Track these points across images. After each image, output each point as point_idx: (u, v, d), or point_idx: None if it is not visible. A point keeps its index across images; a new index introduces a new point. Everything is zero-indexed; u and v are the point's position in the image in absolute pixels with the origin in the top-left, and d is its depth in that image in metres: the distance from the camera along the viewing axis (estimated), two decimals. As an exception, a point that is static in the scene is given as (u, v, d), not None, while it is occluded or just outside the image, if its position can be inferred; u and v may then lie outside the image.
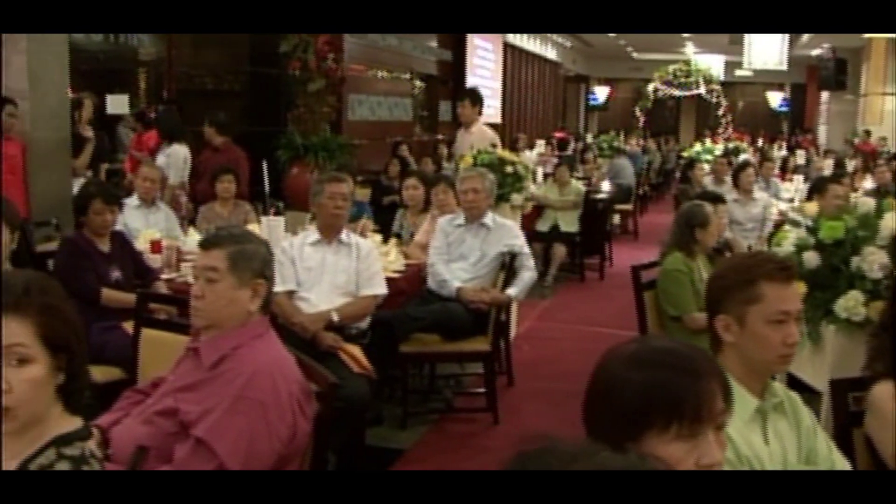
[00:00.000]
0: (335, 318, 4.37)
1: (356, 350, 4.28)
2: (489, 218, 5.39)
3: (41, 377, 1.71)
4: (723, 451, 1.60)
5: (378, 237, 5.83)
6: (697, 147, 18.30)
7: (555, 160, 13.08)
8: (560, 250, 9.40)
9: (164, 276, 4.98)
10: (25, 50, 6.86)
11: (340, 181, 4.69)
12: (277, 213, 6.04)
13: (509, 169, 6.98)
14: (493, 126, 18.71)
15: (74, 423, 1.80)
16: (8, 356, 1.68)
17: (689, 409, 1.55)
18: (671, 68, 24.64)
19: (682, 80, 24.48)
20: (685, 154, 18.67)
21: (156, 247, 5.36)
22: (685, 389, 1.56)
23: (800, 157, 14.49)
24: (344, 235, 4.65)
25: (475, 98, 7.94)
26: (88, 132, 7.58)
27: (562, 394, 5.83)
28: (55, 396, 1.76)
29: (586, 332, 7.67)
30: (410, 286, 5.39)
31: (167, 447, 2.35)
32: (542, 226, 9.47)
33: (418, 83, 15.56)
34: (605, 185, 11.70)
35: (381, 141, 12.50)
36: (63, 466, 1.69)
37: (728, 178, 8.91)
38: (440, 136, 15.51)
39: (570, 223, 9.56)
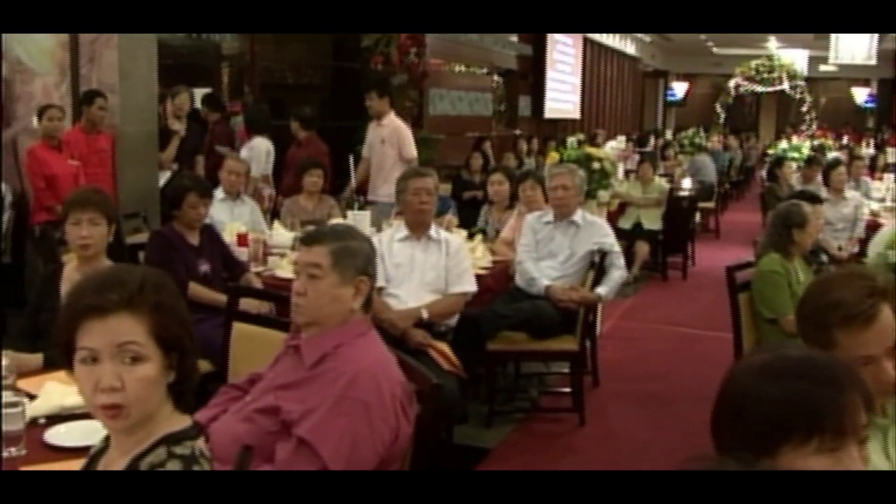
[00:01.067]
0: (425, 315, 4.32)
1: (446, 347, 4.24)
2: (579, 215, 5.30)
3: (154, 376, 1.68)
4: (866, 467, 1.51)
5: (464, 233, 5.77)
6: (784, 144, 17.87)
7: (635, 157, 12.89)
8: (643, 248, 9.25)
9: (253, 270, 4.98)
10: (117, 46, 6.96)
11: (424, 176, 4.65)
12: (360, 208, 6.03)
13: (596, 165, 6.87)
14: (571, 122, 18.73)
15: (184, 421, 1.76)
16: (122, 354, 1.65)
17: (831, 423, 1.46)
18: (753, 63, 24.09)
19: (765, 75, 23.91)
20: (771, 151, 18.27)
21: (242, 240, 5.36)
22: (826, 401, 1.47)
23: (890, 156, 14.05)
24: (433, 231, 4.60)
25: (382, 89, 7.75)
26: (177, 126, 7.65)
27: (648, 396, 5.74)
28: (165, 395, 1.73)
29: (670, 332, 7.53)
30: (497, 283, 5.33)
31: (267, 446, 2.31)
32: (625, 223, 9.31)
33: (498, 78, 15.46)
34: (686, 183, 11.49)
35: (460, 136, 12.45)
36: (174, 465, 1.66)
37: (818, 178, 8.66)
38: (517, 132, 15.41)
39: (653, 221, 9.40)
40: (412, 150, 7.57)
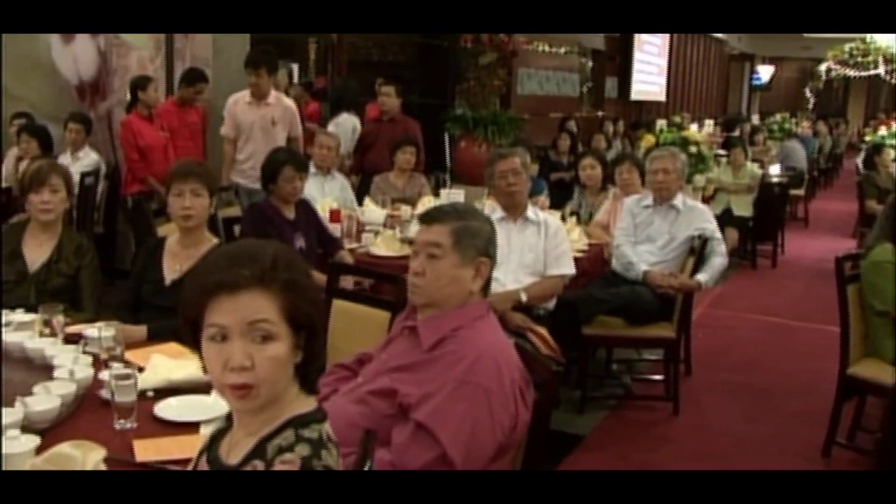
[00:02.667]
0: (523, 297, 4.24)
1: (545, 331, 4.15)
2: (679, 200, 5.16)
3: (284, 355, 1.62)
4: None
5: (557, 214, 5.67)
6: (883, 131, 17.30)
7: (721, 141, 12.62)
8: (732, 235, 9.02)
9: (347, 247, 4.95)
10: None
11: (507, 157, 4.56)
12: (441, 187, 5.97)
13: (692, 149, 6.70)
14: (656, 104, 18.41)
15: (310, 403, 1.71)
16: (252, 332, 1.60)
17: None
18: (847, 47, 23.39)
19: (859, 59, 23.19)
20: (868, 138, 17.73)
21: (335, 216, 5.34)
22: None
23: None
24: (531, 212, 4.51)
25: (273, 65, 6.85)
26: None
27: (743, 387, 5.60)
28: (293, 376, 1.68)
29: (761, 322, 7.35)
30: (593, 267, 5.23)
31: (383, 429, 2.25)
32: (714, 209, 9.04)
33: (584, 58, 15.24)
34: (775, 169, 11.20)
35: (545, 116, 12.30)
36: (302, 449, 1.60)
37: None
38: (601, 113, 15.19)
39: (743, 207, 9.18)
40: (300, 128, 7.01)
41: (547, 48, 12.79)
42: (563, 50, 13.49)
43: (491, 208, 4.64)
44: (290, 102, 6.94)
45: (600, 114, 15.18)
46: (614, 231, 5.44)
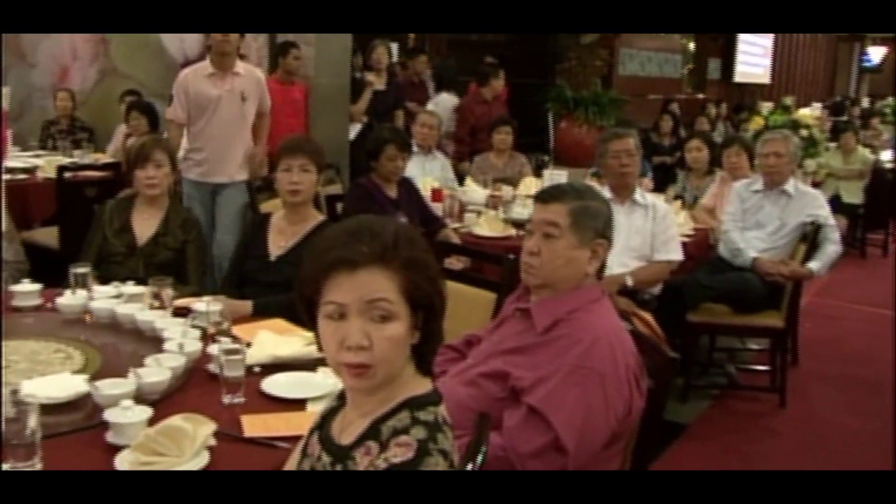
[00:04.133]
0: (629, 282, 4.16)
1: (650, 317, 4.04)
2: (791, 185, 4.99)
3: (402, 335, 1.58)
4: None
5: (661, 197, 5.54)
6: None
7: (828, 125, 12.22)
8: (841, 223, 8.71)
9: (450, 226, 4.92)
10: (314, -3, 6.99)
11: (623, 137, 4.48)
12: (542, 167, 5.89)
13: (804, 133, 6.48)
14: (760, 87, 17.90)
15: (426, 385, 1.66)
16: (371, 311, 1.56)
17: None
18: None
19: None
20: None
21: (436, 195, 5.31)
22: None
23: None
24: (638, 195, 4.42)
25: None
26: (372, 79, 7.65)
27: (851, 380, 5.43)
28: (409, 356, 1.64)
29: (870, 313, 7.12)
30: (698, 252, 5.10)
31: (494, 412, 2.19)
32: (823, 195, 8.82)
33: (685, 39, 14.92)
34: (887, 155, 10.79)
35: (645, 97, 12.08)
36: (418, 432, 1.56)
37: None
38: (701, 96, 14.85)
39: (853, 194, 8.87)
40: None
41: (649, 28, 12.56)
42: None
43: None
44: (259, 74, 5.76)
45: (702, 96, 14.84)
46: (722, 216, 5.29)
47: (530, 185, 5.87)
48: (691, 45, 15.38)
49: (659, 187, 6.46)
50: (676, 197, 6.04)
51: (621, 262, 4.24)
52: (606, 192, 4.38)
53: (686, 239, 4.98)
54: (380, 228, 1.59)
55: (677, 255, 4.38)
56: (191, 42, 7.71)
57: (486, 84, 8.05)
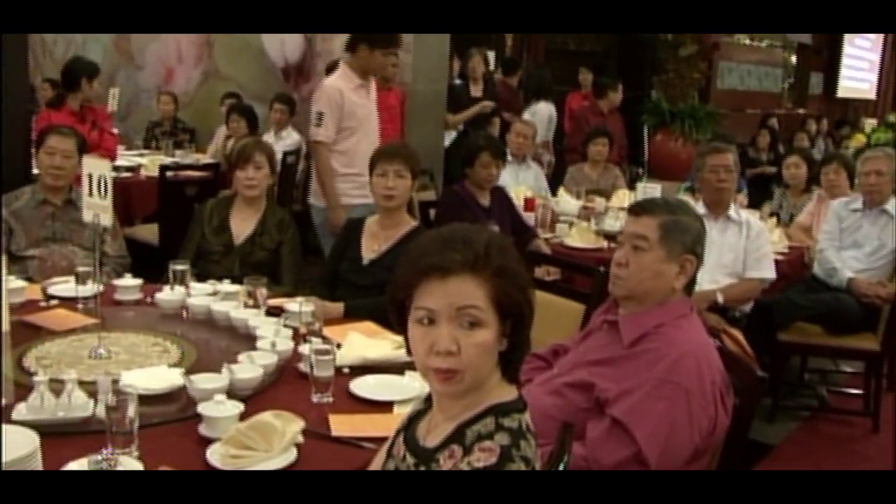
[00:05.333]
0: (719, 298, 4.11)
1: (740, 335, 3.99)
2: (892, 204, 4.87)
3: (490, 342, 1.61)
4: None
5: (757, 214, 5.46)
6: None
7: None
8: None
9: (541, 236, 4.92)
10: (412, 5, 7.07)
11: (722, 152, 4.42)
12: (635, 181, 5.86)
13: (907, 151, 6.30)
14: (863, 102, 17.41)
15: (511, 392, 1.69)
16: (460, 317, 1.59)
17: None
18: None
19: None
20: None
21: (529, 204, 5.33)
22: None
23: None
24: (733, 212, 4.37)
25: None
26: (472, 90, 7.70)
27: (954, 409, 5.24)
28: (496, 363, 1.66)
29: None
30: (792, 270, 5.01)
31: (577, 422, 2.21)
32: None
33: (787, 52, 14.63)
34: None
35: (745, 112, 11.89)
36: (501, 438, 1.58)
37: None
38: (802, 111, 14.54)
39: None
40: None
41: (749, 41, 12.36)
42: (765, 43, 13.01)
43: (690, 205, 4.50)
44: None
45: (802, 111, 14.53)
46: (818, 234, 5.19)
47: (623, 197, 5.84)
48: (793, 59, 15.07)
49: (755, 203, 6.36)
50: (772, 214, 5.94)
51: (713, 278, 4.19)
52: (700, 208, 4.34)
53: (780, 257, 4.90)
54: (472, 237, 1.62)
55: (770, 273, 4.31)
56: (291, 46, 7.87)
57: (603, 96, 8.07)
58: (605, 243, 4.79)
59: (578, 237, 4.87)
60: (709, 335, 3.53)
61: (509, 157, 6.05)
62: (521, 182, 6.03)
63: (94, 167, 2.66)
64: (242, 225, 3.94)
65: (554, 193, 6.13)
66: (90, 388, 2.27)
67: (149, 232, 5.95)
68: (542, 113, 8.20)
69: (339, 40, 7.58)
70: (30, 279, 3.58)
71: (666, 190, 5.76)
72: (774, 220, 5.64)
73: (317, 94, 4.83)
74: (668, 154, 8.46)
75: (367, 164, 4.55)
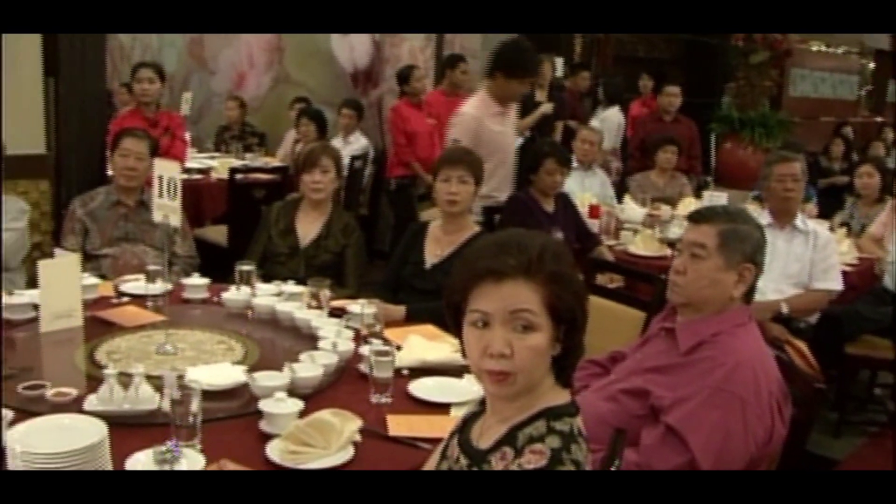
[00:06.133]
0: (784, 309, 4.07)
1: (804, 346, 3.95)
2: (968, 216, 4.77)
3: (543, 346, 1.63)
4: None
5: (825, 224, 5.37)
6: None
7: None
8: None
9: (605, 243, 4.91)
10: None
11: (790, 161, 4.36)
12: (702, 189, 5.80)
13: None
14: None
15: (564, 396, 1.70)
16: (514, 321, 1.61)
17: None
18: None
19: None
20: None
21: (594, 211, 5.32)
22: None
23: None
24: (799, 221, 4.31)
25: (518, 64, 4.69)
26: (539, 95, 7.70)
27: None
28: (549, 367, 1.68)
29: None
30: (861, 282, 4.91)
31: (632, 429, 2.21)
32: None
33: (865, 59, 14.34)
34: None
35: (817, 120, 11.69)
36: (553, 441, 1.60)
37: None
38: (880, 119, 14.23)
39: None
40: None
41: (824, 48, 12.15)
42: (841, 50, 12.77)
43: (756, 213, 4.45)
44: None
45: (879, 119, 14.23)
46: (889, 246, 5.09)
47: (689, 205, 5.79)
48: (871, 65, 14.77)
49: (826, 213, 6.25)
50: (843, 224, 5.84)
51: (777, 288, 4.15)
52: (766, 217, 4.30)
53: (849, 268, 4.82)
54: (527, 242, 1.64)
55: (837, 284, 4.25)
56: (360, 52, 7.97)
57: (659, 97, 7.98)
58: (668, 251, 4.75)
59: (642, 245, 4.85)
60: (772, 346, 3.52)
61: (575, 164, 6.04)
62: (586, 189, 6.01)
63: (165, 169, 2.74)
64: (308, 228, 4.00)
65: (620, 200, 6.10)
66: (157, 383, 2.35)
67: (218, 233, 6.06)
68: (611, 120, 8.16)
69: (407, 46, 7.70)
70: (103, 277, 3.69)
71: (732, 199, 5.70)
72: (844, 230, 5.54)
73: (454, 121, 4.81)
74: (736, 162, 8.37)
75: (501, 187, 4.84)
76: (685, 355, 2.31)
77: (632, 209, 5.66)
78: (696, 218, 2.49)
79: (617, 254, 4.81)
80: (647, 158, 7.49)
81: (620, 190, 6.59)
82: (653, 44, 11.63)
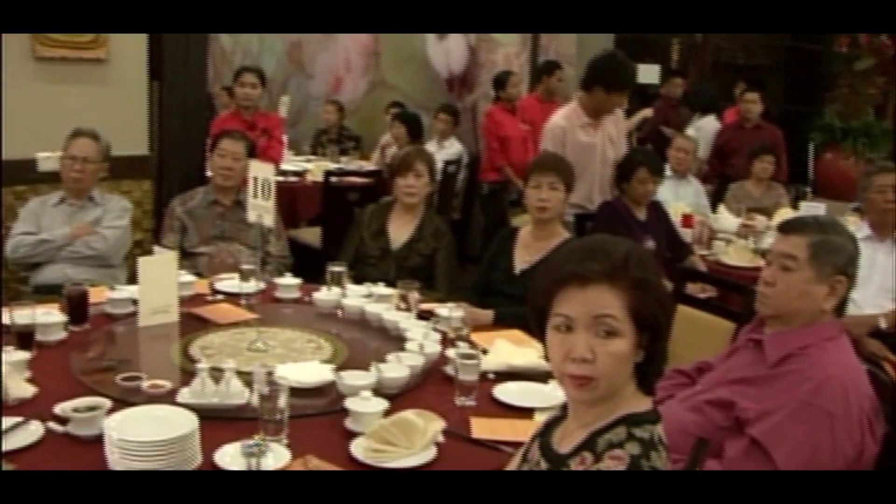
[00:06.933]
0: (882, 324, 3.94)
1: (904, 363, 3.84)
2: None
3: (625, 352, 1.63)
4: None
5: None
6: None
7: None
8: None
9: (697, 253, 4.84)
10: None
11: (890, 171, 4.24)
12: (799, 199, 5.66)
13: None
14: None
15: (646, 403, 1.70)
16: (597, 326, 1.62)
17: None
18: None
19: None
20: None
21: (687, 221, 5.25)
22: None
23: None
24: (901, 233, 4.18)
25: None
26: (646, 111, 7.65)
27: None
28: (631, 374, 1.68)
29: None
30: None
31: (716, 441, 2.19)
32: None
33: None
34: None
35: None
36: (632, 447, 1.60)
37: None
38: None
39: None
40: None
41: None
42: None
43: (855, 225, 4.34)
44: (621, 112, 5.11)
45: None
46: None
47: (785, 216, 5.66)
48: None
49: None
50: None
51: (876, 303, 4.03)
52: (866, 229, 4.19)
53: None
54: (612, 248, 1.65)
55: (940, 299, 4.11)
56: (456, 57, 8.02)
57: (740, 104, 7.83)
58: (762, 262, 4.65)
59: (735, 255, 4.77)
60: (869, 362, 3.43)
61: (669, 173, 5.97)
62: (680, 198, 5.93)
63: (259, 170, 2.81)
64: (400, 231, 4.05)
65: (715, 210, 6.01)
66: (247, 378, 2.41)
67: (312, 234, 6.16)
68: (707, 128, 8.02)
69: (503, 51, 7.71)
70: (199, 274, 3.80)
71: (832, 210, 5.56)
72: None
73: (545, 130, 4.85)
74: (837, 173, 8.15)
75: (590, 197, 4.83)
76: (772, 367, 2.27)
77: (726, 219, 5.57)
78: (786, 229, 2.44)
79: (709, 264, 4.74)
80: (725, 166, 7.36)
81: (716, 199, 6.48)
82: (752, 50, 11.40)
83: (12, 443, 2.09)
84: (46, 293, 3.68)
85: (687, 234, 5.07)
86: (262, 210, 2.82)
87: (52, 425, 2.20)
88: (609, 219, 4.60)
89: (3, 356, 2.48)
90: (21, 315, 2.74)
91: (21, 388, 2.39)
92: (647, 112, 7.14)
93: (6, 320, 2.79)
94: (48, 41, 4.55)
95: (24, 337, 2.72)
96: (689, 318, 3.51)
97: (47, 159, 4.47)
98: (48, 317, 2.89)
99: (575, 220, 4.72)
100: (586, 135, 4.77)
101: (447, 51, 8.12)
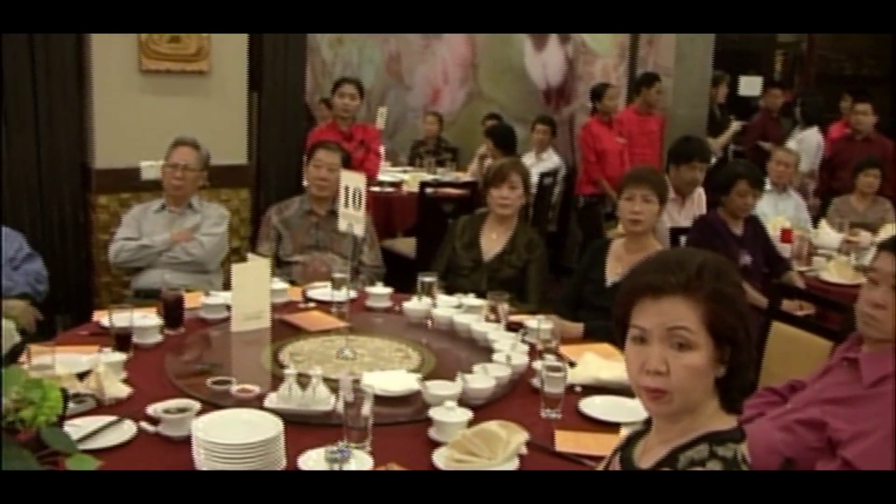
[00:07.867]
0: None
1: None
2: None
3: (700, 365, 1.60)
4: None
5: None
6: None
7: None
8: None
9: (795, 269, 4.72)
10: (675, 30, 7.02)
11: None
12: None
13: None
14: None
15: (730, 421, 1.66)
16: (671, 338, 1.59)
17: None
18: None
19: None
20: None
21: (786, 235, 5.13)
22: None
23: None
24: None
25: None
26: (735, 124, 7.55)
27: None
28: (713, 390, 1.64)
29: None
30: None
31: (806, 461, 2.13)
32: None
33: None
34: None
35: None
36: (714, 465, 1.57)
37: None
38: None
39: None
40: None
41: None
42: None
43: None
44: None
45: None
46: None
47: (891, 232, 5.48)
48: None
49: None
50: None
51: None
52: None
53: None
54: (687, 259, 1.63)
55: None
56: (553, 69, 8.00)
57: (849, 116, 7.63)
58: (864, 279, 4.51)
59: (836, 272, 4.62)
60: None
61: (769, 186, 5.84)
62: (780, 212, 5.80)
63: (350, 180, 2.85)
64: (492, 242, 4.05)
65: (816, 225, 5.85)
66: (333, 385, 2.44)
67: (407, 245, 6.20)
68: (809, 141, 7.82)
69: (601, 63, 7.67)
70: (293, 282, 3.87)
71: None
72: None
73: None
74: (950, 188, 7.86)
75: None
76: (869, 388, 2.20)
77: (826, 234, 5.41)
78: (892, 248, 2.33)
79: (808, 280, 4.61)
80: (834, 180, 7.15)
81: (820, 214, 6.32)
82: (861, 61, 11.11)
83: (105, 441, 2.17)
84: (146, 297, 3.81)
85: (786, 250, 4.95)
86: (352, 219, 2.86)
87: (145, 425, 2.27)
88: (704, 233, 4.52)
89: (102, 357, 2.57)
90: (119, 318, 2.83)
91: (117, 388, 2.48)
92: (737, 126, 7.03)
93: (106, 322, 2.89)
94: (154, 54, 4.70)
95: (121, 339, 2.82)
96: (785, 335, 3.43)
97: (150, 168, 4.61)
98: (145, 320, 2.98)
99: (670, 234, 4.66)
100: None
101: (544, 62, 8.10)
